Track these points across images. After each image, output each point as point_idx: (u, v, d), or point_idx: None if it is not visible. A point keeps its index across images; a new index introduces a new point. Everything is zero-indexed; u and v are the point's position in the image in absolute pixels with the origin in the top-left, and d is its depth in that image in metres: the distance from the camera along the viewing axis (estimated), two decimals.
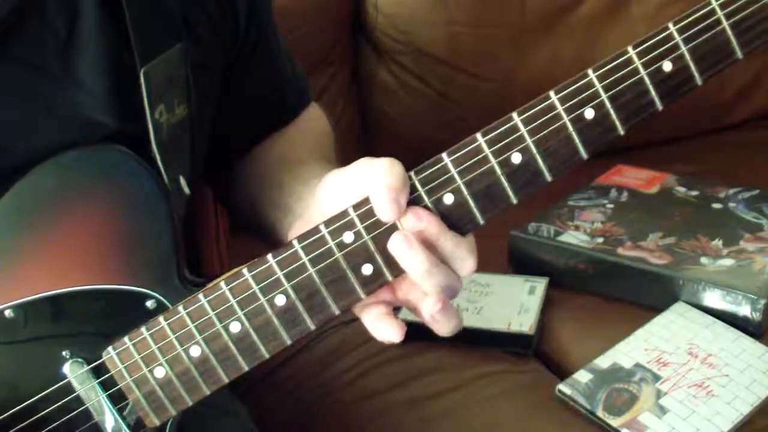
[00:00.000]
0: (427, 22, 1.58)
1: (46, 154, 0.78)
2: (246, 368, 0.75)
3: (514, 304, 1.28)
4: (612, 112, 0.70)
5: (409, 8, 1.56)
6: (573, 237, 1.35)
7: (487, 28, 1.60)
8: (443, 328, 0.75)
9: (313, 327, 0.74)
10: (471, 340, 1.24)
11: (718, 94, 1.77)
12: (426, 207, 0.72)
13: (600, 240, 1.34)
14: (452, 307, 0.74)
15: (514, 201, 0.72)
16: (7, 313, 0.77)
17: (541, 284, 1.31)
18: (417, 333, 1.25)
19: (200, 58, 0.89)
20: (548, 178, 0.72)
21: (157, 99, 0.82)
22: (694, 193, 1.46)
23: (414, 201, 0.72)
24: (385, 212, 0.71)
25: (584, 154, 0.71)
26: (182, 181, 0.84)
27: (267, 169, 1.00)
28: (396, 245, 0.72)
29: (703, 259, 1.28)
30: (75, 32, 0.80)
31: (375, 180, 0.72)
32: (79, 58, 0.80)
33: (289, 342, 0.75)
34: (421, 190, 0.72)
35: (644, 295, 1.28)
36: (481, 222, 0.73)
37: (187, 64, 0.86)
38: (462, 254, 0.73)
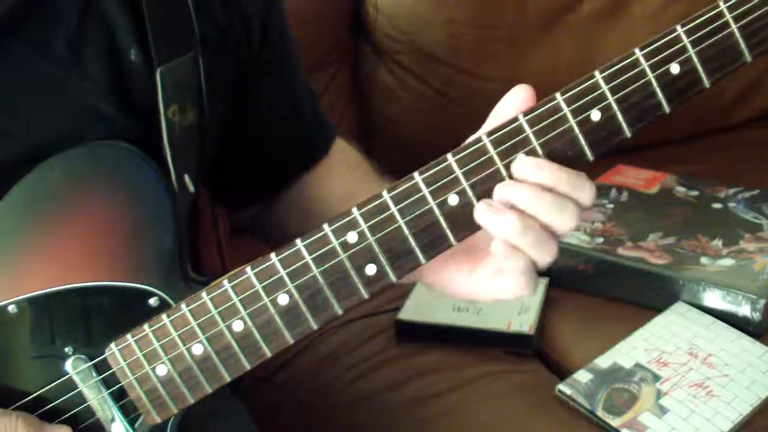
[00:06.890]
0: (427, 22, 1.57)
1: (47, 144, 0.78)
2: (248, 367, 0.75)
3: (514, 304, 1.27)
4: (619, 114, 0.69)
5: (409, 8, 1.56)
6: (573, 237, 1.35)
7: (487, 28, 1.60)
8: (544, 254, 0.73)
9: (315, 326, 0.74)
10: (471, 340, 1.24)
11: (718, 95, 1.77)
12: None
13: (600, 240, 1.34)
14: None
15: None
16: (11, 308, 0.77)
17: (541, 284, 1.31)
18: (417, 333, 1.26)
19: (213, 70, 0.89)
20: None
21: (171, 99, 0.82)
22: (694, 193, 1.46)
23: (420, 200, 0.72)
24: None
25: (590, 156, 0.71)
26: (187, 179, 0.84)
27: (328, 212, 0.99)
28: (482, 215, 0.71)
29: (703, 259, 1.28)
30: (86, 22, 0.81)
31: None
32: (87, 48, 0.81)
33: (291, 341, 0.74)
34: (425, 191, 0.71)
35: (644, 295, 1.28)
36: None
37: (200, 73, 0.86)
38: (580, 184, 0.70)
